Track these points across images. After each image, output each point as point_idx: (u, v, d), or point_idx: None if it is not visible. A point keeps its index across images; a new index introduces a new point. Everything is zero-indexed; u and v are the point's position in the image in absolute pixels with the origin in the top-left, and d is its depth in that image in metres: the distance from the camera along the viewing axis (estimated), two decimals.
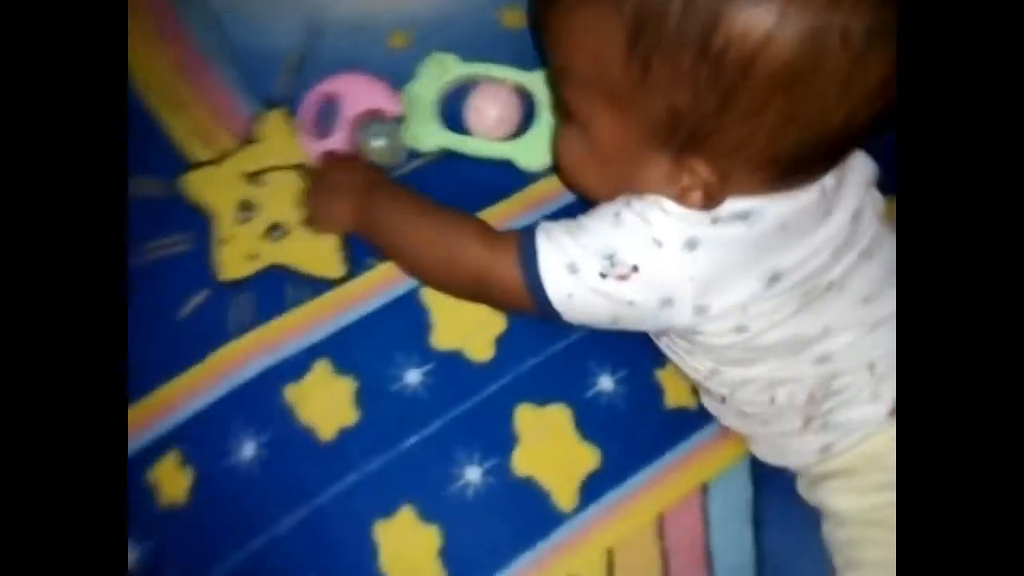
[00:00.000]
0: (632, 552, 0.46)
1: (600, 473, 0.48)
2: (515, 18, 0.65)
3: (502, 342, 0.51)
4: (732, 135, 0.35)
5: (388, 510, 0.46)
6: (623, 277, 0.40)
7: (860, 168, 0.43)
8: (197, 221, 0.55)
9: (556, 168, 0.48)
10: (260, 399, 0.49)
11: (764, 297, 0.40)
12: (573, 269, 0.41)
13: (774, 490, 0.48)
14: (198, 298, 0.52)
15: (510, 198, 0.55)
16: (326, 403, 0.49)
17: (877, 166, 0.45)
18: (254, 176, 0.58)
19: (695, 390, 0.50)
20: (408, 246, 0.49)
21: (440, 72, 0.59)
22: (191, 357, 0.50)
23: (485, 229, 0.47)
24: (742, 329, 0.41)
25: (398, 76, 0.59)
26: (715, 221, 0.39)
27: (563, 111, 0.42)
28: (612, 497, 0.47)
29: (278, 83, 0.60)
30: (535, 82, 0.57)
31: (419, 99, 0.57)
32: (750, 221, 0.39)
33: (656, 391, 0.50)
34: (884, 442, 0.42)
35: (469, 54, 0.59)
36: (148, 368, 0.50)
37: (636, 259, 0.39)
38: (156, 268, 0.53)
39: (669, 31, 0.33)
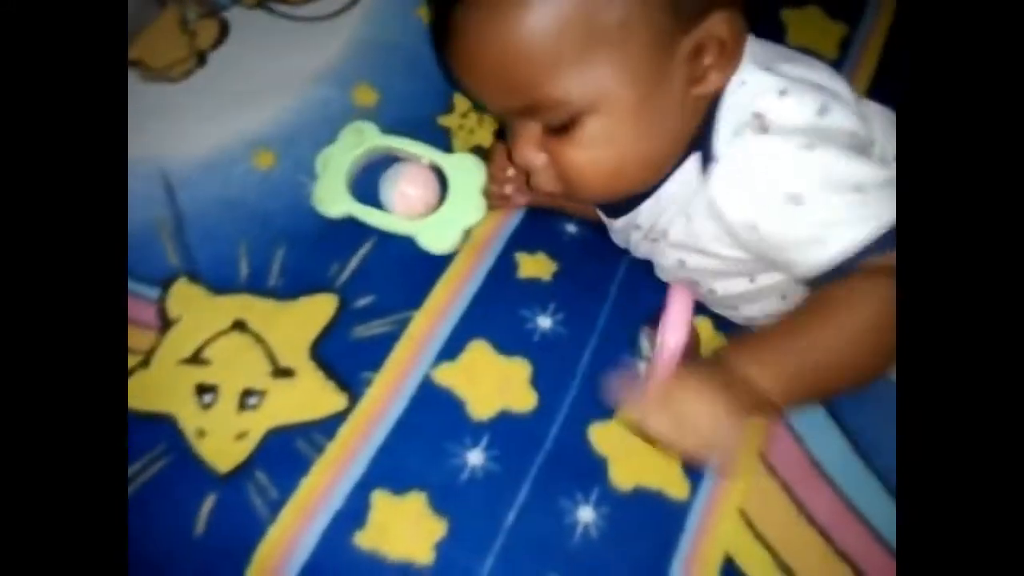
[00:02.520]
0: (758, 499, 0.46)
1: None
2: (365, 97, 0.65)
3: (538, 383, 0.50)
4: None
5: None
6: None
7: None
8: (160, 430, 0.48)
9: (589, 190, 0.44)
10: (335, 564, 0.44)
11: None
12: (890, 183, 0.38)
13: None
14: (208, 504, 0.46)
15: None
16: (406, 529, 0.45)
17: None
18: (194, 357, 0.52)
19: None
20: (843, 372, 0.38)
21: (357, 141, 0.58)
22: (237, 566, 0.43)
23: (840, 296, 0.38)
24: None
25: (277, 193, 0.58)
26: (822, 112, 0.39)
27: (562, 131, 0.41)
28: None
29: (168, 254, 0.55)
30: (449, 162, 0.58)
31: (332, 164, 0.57)
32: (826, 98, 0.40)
33: None
34: None
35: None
36: None
37: (852, 127, 0.39)
38: (145, 496, 0.45)
39: None
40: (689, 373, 0.37)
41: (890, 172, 0.39)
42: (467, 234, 0.56)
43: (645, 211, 0.46)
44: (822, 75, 0.42)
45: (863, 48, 0.69)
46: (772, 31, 0.68)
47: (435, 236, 0.55)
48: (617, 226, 0.51)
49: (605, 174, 0.42)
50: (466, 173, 0.57)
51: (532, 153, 0.43)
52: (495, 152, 0.57)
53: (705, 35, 0.39)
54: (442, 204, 0.56)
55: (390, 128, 0.60)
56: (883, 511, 0.46)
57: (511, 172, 0.55)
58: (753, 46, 0.42)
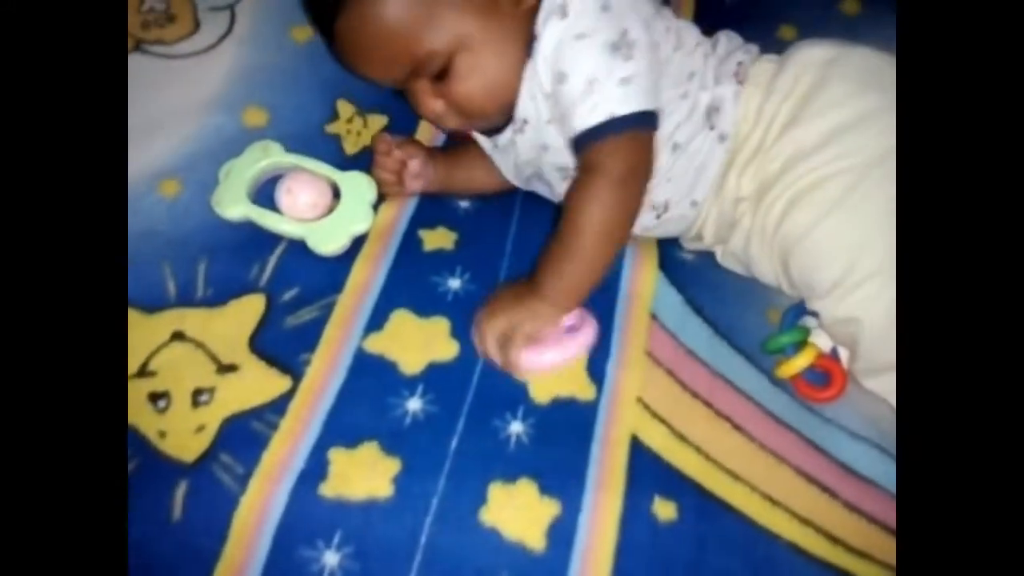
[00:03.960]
0: (650, 387, 0.56)
1: (596, 357, 0.57)
2: (255, 118, 0.71)
3: (457, 334, 0.58)
4: None
5: (480, 497, 0.50)
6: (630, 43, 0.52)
7: None
8: None
9: (483, 111, 0.57)
10: (306, 514, 0.49)
11: None
12: (625, 82, 0.51)
13: (690, 283, 0.62)
14: (181, 490, 0.50)
15: None
16: (364, 473, 0.51)
17: None
18: (141, 372, 0.56)
19: None
20: (591, 272, 0.55)
21: (261, 154, 0.65)
22: (218, 536, 0.49)
23: (575, 204, 0.54)
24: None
25: (188, 215, 0.63)
26: None
27: (443, 76, 0.54)
28: (612, 367, 0.57)
29: None
30: (344, 178, 0.64)
31: (235, 172, 0.63)
32: None
33: None
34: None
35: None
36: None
37: (626, 25, 0.52)
38: None
39: None
40: (513, 290, 0.56)
41: (652, 57, 0.53)
42: (354, 240, 0.62)
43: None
44: None
45: None
46: None
47: (323, 238, 0.61)
48: (502, 142, 0.60)
49: (487, 92, 0.55)
50: (358, 187, 0.64)
51: (431, 102, 0.56)
52: (378, 143, 0.65)
53: None
54: (332, 213, 0.62)
55: (287, 144, 0.66)
56: (748, 376, 0.57)
57: (397, 155, 0.64)
58: None
